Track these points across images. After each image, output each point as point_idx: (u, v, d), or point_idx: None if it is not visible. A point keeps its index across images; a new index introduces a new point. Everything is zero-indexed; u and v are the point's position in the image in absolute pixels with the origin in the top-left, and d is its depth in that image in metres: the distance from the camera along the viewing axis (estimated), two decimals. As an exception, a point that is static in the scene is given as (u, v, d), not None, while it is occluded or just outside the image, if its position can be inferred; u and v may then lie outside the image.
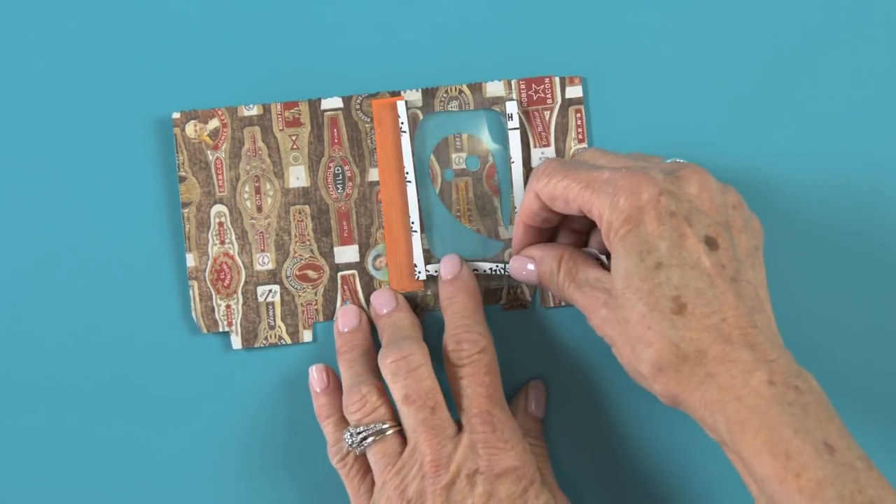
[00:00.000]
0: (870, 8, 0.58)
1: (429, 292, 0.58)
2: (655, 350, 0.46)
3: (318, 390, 0.56)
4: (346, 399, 0.54)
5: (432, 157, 0.58)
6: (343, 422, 0.56)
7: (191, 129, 0.59)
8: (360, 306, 0.58)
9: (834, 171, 0.58)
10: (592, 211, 0.49)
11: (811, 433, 0.43)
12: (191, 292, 0.58)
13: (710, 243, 0.47)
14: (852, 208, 0.58)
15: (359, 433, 0.53)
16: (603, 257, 0.52)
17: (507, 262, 0.57)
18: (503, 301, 0.58)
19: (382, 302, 0.57)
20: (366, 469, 0.55)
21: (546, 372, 0.58)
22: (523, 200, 0.53)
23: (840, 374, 0.58)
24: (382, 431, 0.53)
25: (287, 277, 0.59)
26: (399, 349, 0.53)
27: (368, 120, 0.58)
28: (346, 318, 0.57)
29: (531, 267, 0.54)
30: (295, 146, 0.59)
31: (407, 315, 0.57)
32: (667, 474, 0.58)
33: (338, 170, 0.59)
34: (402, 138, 0.58)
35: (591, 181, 0.49)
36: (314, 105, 0.58)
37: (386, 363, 0.53)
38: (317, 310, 0.59)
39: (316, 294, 0.59)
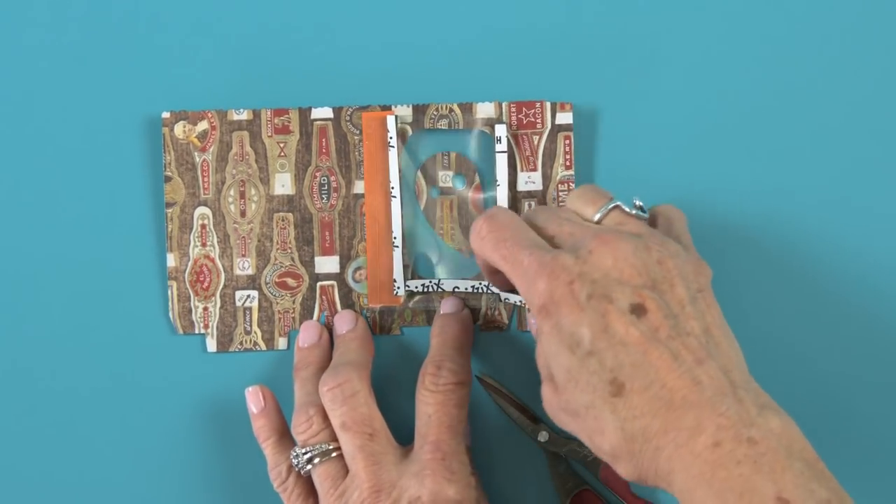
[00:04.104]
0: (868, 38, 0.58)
1: (408, 306, 0.58)
2: (606, 438, 0.44)
3: (255, 411, 0.57)
4: (294, 418, 0.55)
5: (419, 173, 0.58)
6: (282, 444, 0.56)
7: (179, 129, 0.58)
8: (332, 321, 0.58)
9: (824, 204, 0.58)
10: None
11: (760, 492, 0.41)
12: (169, 292, 0.58)
13: (637, 310, 0.44)
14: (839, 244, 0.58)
15: (305, 453, 0.54)
16: None
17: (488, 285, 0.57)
18: (480, 322, 0.58)
19: (341, 322, 0.57)
20: (307, 493, 0.55)
21: (519, 393, 0.58)
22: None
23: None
24: (328, 452, 0.53)
25: (266, 284, 0.59)
26: (335, 376, 0.53)
27: (357, 132, 0.58)
28: (306, 333, 0.58)
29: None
30: (282, 153, 0.59)
31: (358, 337, 0.57)
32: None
33: (324, 180, 0.58)
34: (389, 153, 0.58)
35: (515, 265, 0.47)
36: (304, 113, 0.58)
37: (323, 391, 0.53)
38: (294, 318, 0.59)
39: (294, 302, 0.59)
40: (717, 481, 0.41)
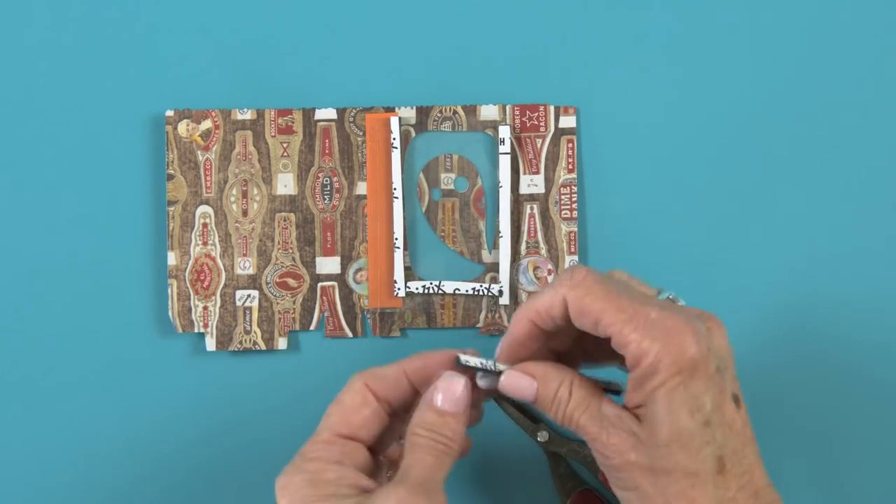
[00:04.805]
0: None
1: (409, 307, 0.58)
2: None
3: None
4: None
5: (421, 175, 0.59)
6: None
7: (183, 128, 0.59)
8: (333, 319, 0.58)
9: (828, 208, 0.58)
10: (629, 347, 0.45)
11: None
12: (169, 291, 0.58)
13: (736, 400, 0.46)
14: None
15: None
16: (612, 388, 0.49)
17: (491, 285, 0.58)
18: (480, 325, 0.58)
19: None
20: None
21: (517, 398, 0.58)
22: (540, 298, 0.47)
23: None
24: None
25: (267, 284, 0.58)
26: None
27: (361, 133, 0.58)
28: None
29: (529, 385, 0.48)
30: (285, 153, 0.59)
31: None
32: None
33: (326, 180, 0.59)
34: (392, 154, 0.58)
35: (636, 316, 0.45)
36: (308, 114, 0.59)
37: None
38: (294, 318, 0.58)
39: (294, 303, 0.59)
40: None
